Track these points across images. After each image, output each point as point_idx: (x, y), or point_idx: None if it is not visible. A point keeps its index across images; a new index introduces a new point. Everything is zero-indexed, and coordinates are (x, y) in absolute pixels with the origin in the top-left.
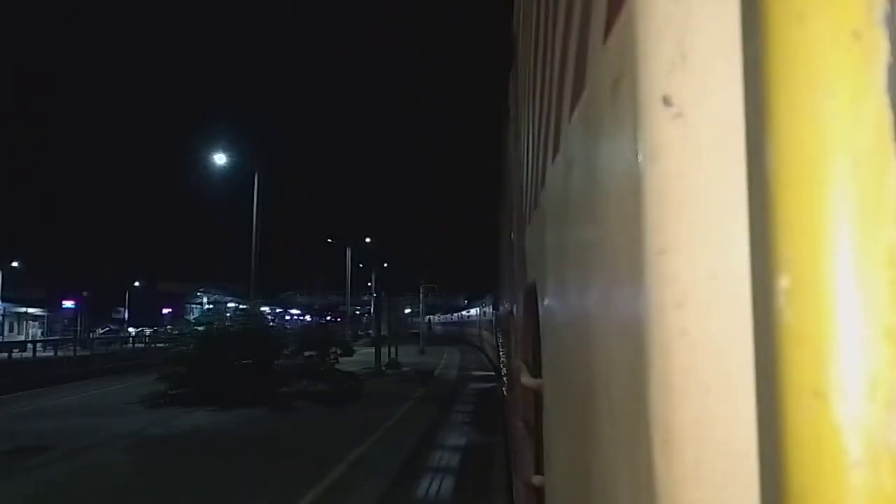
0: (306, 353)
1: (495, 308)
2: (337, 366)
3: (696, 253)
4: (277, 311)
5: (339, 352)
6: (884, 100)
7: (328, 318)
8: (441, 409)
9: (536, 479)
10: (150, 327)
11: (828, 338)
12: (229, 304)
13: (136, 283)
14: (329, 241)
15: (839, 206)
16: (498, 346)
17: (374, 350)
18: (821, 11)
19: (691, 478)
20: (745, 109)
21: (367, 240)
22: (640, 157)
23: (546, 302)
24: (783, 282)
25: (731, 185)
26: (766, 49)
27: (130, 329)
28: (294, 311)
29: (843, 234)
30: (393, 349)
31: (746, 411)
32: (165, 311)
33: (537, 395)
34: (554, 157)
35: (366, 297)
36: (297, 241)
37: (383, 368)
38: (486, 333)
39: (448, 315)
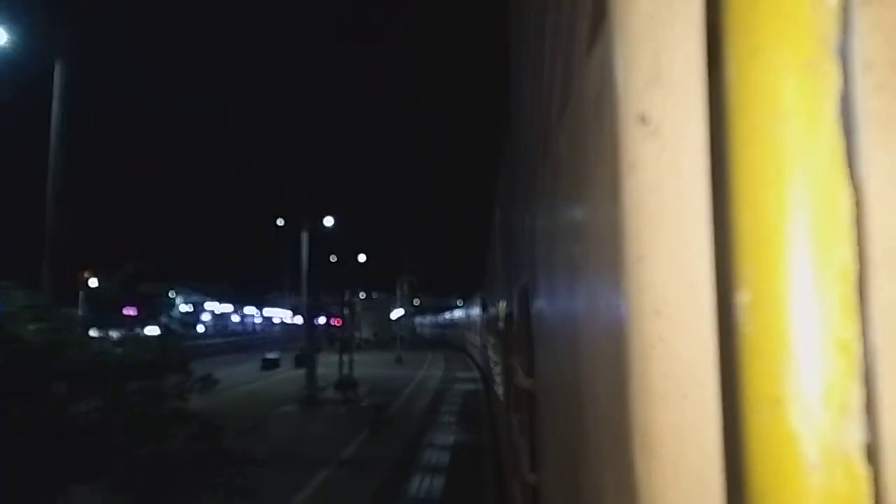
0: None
1: (484, 309)
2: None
3: (673, 262)
4: (261, 313)
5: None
6: (836, 127)
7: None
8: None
9: (531, 478)
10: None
11: (785, 349)
12: (206, 306)
13: (93, 280)
14: (279, 223)
15: (795, 226)
16: (485, 347)
17: (337, 360)
18: (777, 43)
19: (671, 481)
20: (709, 135)
21: (329, 221)
22: (618, 169)
23: (537, 304)
24: (744, 296)
25: (704, 197)
26: (728, 78)
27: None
28: (281, 313)
29: (799, 253)
30: (358, 360)
31: (719, 417)
32: (128, 312)
33: (531, 394)
34: (543, 163)
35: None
36: (287, 241)
37: (330, 391)
38: (470, 334)
39: (434, 316)
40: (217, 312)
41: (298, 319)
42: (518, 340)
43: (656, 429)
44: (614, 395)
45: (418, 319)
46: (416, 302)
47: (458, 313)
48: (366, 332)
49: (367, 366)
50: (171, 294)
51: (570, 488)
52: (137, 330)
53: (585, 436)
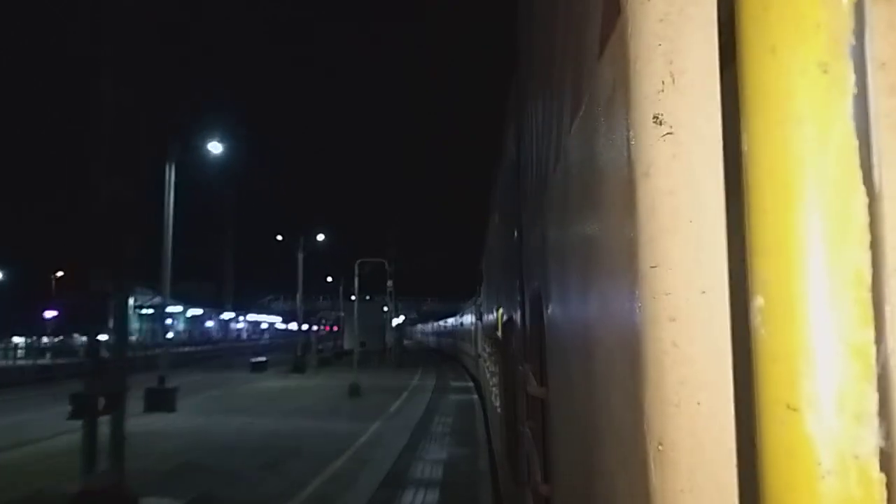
0: None
1: (479, 317)
2: None
3: (687, 268)
4: (245, 319)
5: None
6: (850, 128)
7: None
8: None
9: (544, 489)
10: (31, 336)
11: (800, 354)
12: (170, 310)
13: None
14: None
15: (809, 229)
16: (479, 356)
17: (294, 385)
18: (791, 45)
19: (685, 487)
20: (722, 136)
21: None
22: (633, 173)
23: (550, 312)
24: (759, 301)
25: (718, 201)
26: (742, 79)
27: (17, 339)
28: (272, 319)
29: (813, 256)
30: (293, 387)
31: (733, 423)
32: (49, 314)
33: (543, 403)
34: (555, 166)
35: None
36: (285, 244)
37: None
38: (466, 345)
39: (436, 324)
40: (188, 316)
41: (293, 326)
42: (530, 348)
43: (671, 435)
44: (628, 402)
45: (419, 326)
46: (412, 308)
47: (451, 320)
48: (351, 342)
49: (292, 406)
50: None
51: (583, 497)
52: (77, 336)
53: (599, 443)
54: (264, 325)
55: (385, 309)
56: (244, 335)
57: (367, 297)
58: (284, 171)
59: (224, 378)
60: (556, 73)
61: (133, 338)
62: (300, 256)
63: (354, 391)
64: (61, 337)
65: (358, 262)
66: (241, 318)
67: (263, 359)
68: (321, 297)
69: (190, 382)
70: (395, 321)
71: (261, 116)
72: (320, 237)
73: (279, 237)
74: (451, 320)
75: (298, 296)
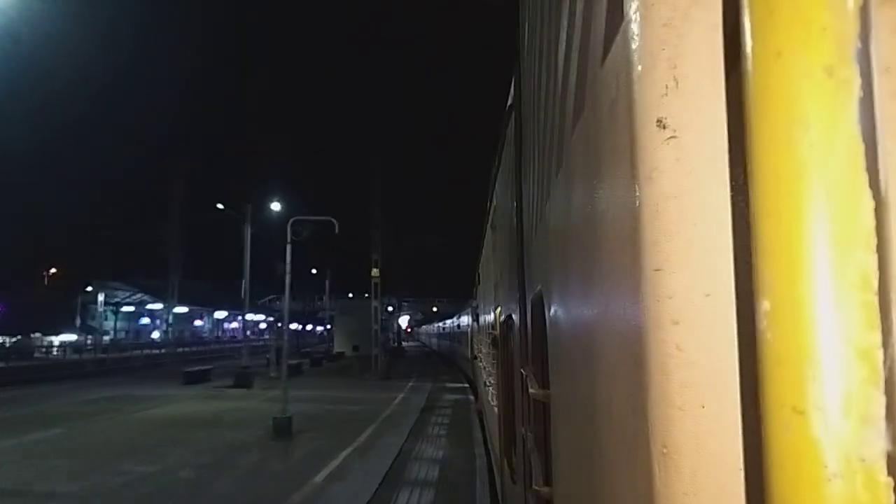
0: None
1: (475, 319)
2: None
3: (692, 271)
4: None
5: None
6: (856, 132)
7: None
8: None
9: (545, 491)
10: None
11: (806, 358)
12: (149, 307)
13: None
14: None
15: (816, 233)
16: (476, 357)
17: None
18: (796, 48)
19: (689, 490)
20: (727, 140)
21: None
22: (636, 177)
23: (552, 314)
24: (764, 305)
25: (722, 205)
26: (747, 83)
27: None
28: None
29: (819, 260)
30: (172, 417)
31: (737, 426)
32: None
33: (545, 406)
34: (557, 171)
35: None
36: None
37: None
38: (460, 347)
39: (435, 326)
40: (175, 314)
41: (296, 325)
42: (532, 350)
43: (674, 438)
44: (631, 405)
45: (424, 328)
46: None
47: (448, 322)
48: (341, 345)
49: (143, 469)
50: (104, 292)
51: (586, 499)
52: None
53: (601, 446)
54: (263, 325)
55: (390, 309)
56: (239, 335)
57: (366, 295)
58: (284, 170)
59: (129, 396)
60: (559, 75)
61: (107, 338)
62: (247, 230)
63: (281, 430)
64: (19, 336)
65: (291, 220)
66: (238, 317)
67: (206, 367)
68: (322, 296)
69: (62, 405)
70: (385, 322)
71: (260, 117)
72: (275, 206)
73: (220, 205)
74: (449, 322)
75: (244, 283)
